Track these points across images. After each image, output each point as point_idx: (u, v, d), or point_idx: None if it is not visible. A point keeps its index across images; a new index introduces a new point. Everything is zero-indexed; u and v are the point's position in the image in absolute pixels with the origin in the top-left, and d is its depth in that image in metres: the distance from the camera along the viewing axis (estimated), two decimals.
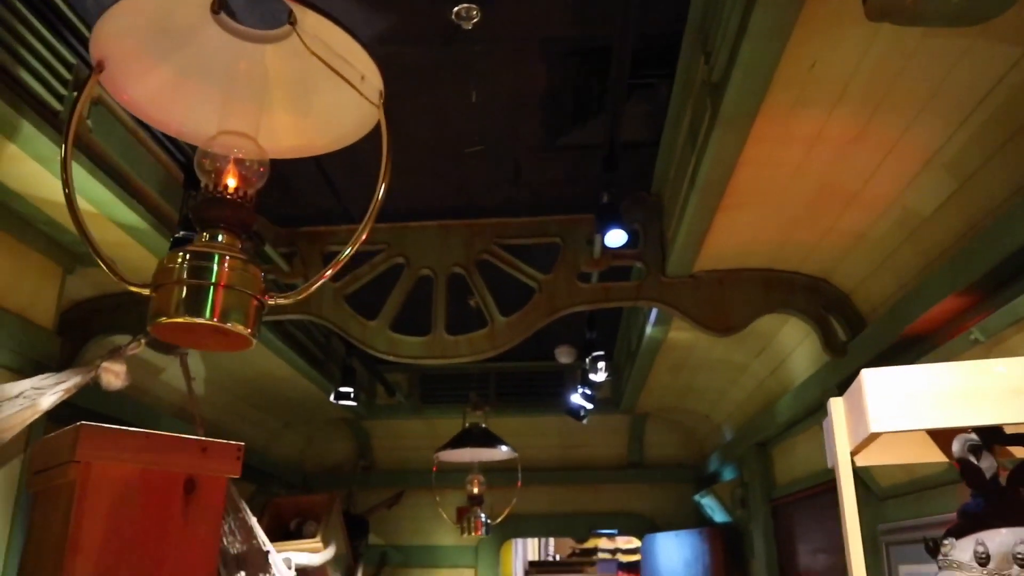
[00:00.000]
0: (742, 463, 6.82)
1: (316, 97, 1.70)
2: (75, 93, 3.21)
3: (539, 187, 5.06)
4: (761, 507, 6.33)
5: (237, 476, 2.92)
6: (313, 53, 1.48)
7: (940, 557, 1.85)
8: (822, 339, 4.20)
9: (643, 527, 8.51)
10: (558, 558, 15.41)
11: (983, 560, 1.77)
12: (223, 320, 1.48)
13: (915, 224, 3.32)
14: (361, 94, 1.57)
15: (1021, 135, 2.59)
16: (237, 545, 4.80)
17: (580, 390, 6.35)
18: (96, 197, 3.38)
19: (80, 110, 1.53)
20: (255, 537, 4.88)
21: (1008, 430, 1.99)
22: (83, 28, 3.08)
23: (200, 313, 1.47)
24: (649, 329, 5.25)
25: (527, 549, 14.31)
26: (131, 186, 3.59)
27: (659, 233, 4.41)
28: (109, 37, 1.49)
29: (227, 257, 1.50)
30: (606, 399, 7.63)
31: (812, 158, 3.20)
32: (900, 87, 2.69)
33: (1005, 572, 1.73)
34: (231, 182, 1.58)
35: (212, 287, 1.48)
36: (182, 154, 3.57)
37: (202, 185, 1.59)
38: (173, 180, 3.90)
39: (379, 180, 1.58)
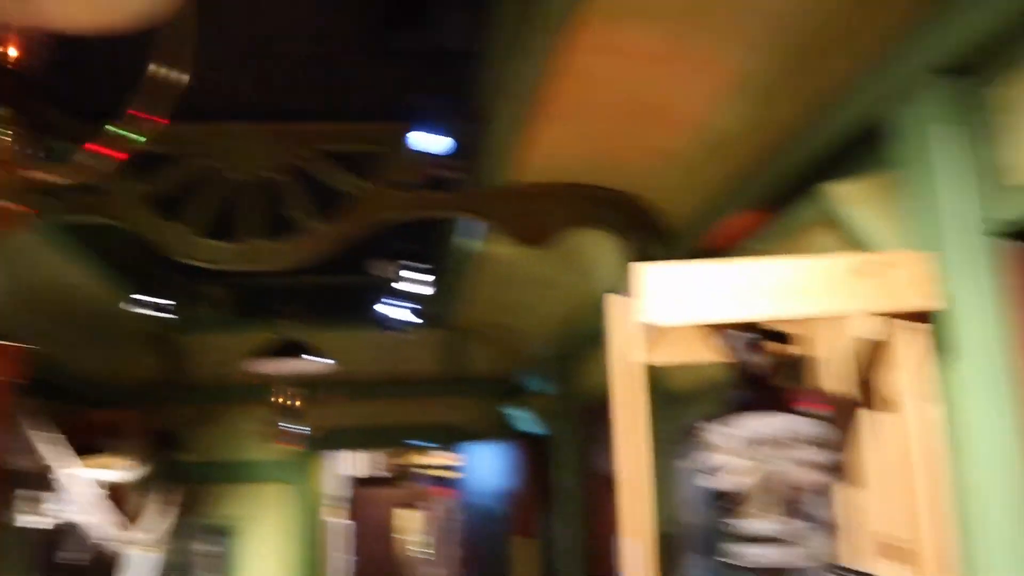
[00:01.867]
0: (553, 375, 7.08)
1: None
2: None
3: (358, 93, 4.93)
4: (569, 417, 6.62)
5: (22, 381, 2.76)
6: None
7: (699, 440, 2.02)
8: (629, 253, 4.37)
9: (458, 439, 8.73)
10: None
11: (738, 443, 1.94)
12: None
13: (718, 142, 3.48)
14: None
15: (814, 58, 2.73)
16: (26, 462, 4.58)
17: (398, 304, 6.36)
18: None
19: None
20: (49, 455, 4.66)
21: (784, 329, 2.17)
22: None
23: None
24: (467, 241, 5.28)
25: (347, 464, 14.33)
26: None
27: (478, 144, 4.41)
28: None
29: None
30: (427, 314, 7.67)
31: (626, 73, 3.26)
32: (715, 5, 2.76)
33: (757, 456, 1.91)
34: None
35: None
36: None
37: None
38: None
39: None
